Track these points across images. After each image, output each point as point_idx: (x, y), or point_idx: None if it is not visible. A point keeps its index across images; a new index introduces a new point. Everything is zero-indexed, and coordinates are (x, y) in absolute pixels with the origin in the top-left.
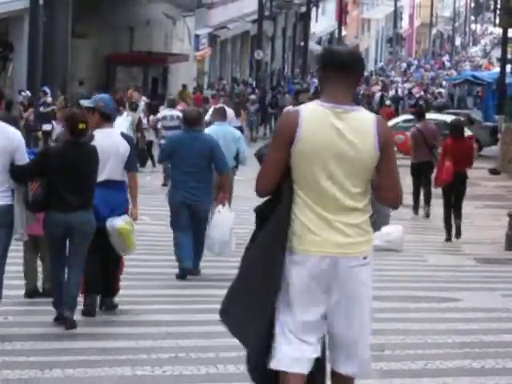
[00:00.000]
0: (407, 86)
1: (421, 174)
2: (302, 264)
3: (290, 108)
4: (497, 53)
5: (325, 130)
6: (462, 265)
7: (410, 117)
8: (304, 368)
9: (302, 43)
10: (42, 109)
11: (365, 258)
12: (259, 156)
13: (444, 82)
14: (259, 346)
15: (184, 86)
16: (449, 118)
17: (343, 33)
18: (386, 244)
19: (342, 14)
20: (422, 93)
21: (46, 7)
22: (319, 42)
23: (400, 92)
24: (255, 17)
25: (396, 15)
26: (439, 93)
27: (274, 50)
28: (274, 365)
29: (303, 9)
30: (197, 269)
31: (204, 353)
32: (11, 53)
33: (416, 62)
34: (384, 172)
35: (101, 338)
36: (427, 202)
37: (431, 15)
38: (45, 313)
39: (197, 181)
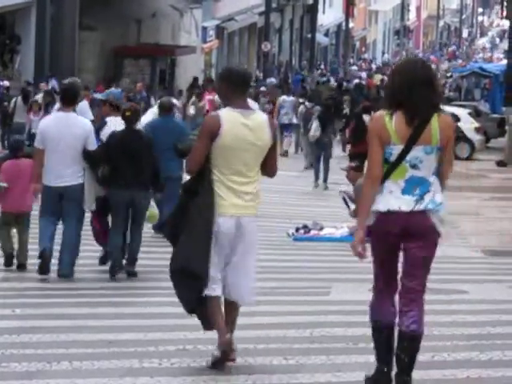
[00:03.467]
0: None
1: None
2: (218, 223)
3: (212, 113)
4: (504, 45)
5: (239, 128)
6: (469, 257)
7: None
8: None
9: (310, 35)
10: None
11: (256, 216)
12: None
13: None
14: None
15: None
16: (456, 110)
17: (350, 25)
18: None
19: (349, 5)
20: None
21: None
22: (326, 34)
23: None
24: (262, 9)
25: (403, 7)
26: (443, 84)
27: (282, 42)
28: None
29: (310, 1)
30: None
31: (212, 345)
32: (18, 45)
33: (421, 55)
34: (272, 155)
35: (108, 331)
36: None
37: (438, 7)
38: (52, 305)
39: (171, 157)
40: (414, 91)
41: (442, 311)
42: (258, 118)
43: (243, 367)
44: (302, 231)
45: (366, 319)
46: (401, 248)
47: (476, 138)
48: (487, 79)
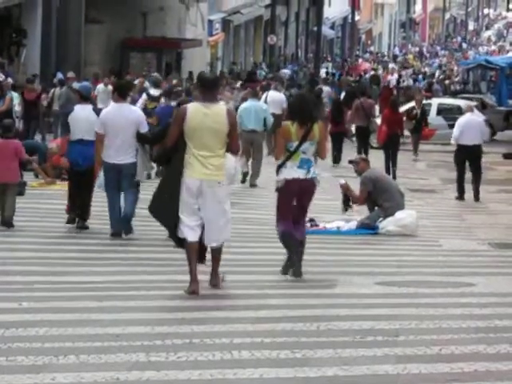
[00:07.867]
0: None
1: (361, 136)
2: (186, 182)
3: (183, 106)
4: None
5: (199, 115)
6: (476, 250)
7: (426, 101)
8: (196, 238)
9: (316, 28)
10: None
11: (219, 182)
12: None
13: (456, 68)
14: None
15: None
16: (462, 103)
17: (356, 17)
18: (400, 229)
19: None
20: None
21: None
22: (332, 27)
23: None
24: (268, 1)
25: (409, 0)
26: (448, 78)
27: (288, 34)
28: (181, 234)
29: None
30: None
31: (219, 338)
32: (24, 38)
33: (426, 49)
34: (232, 136)
35: (115, 324)
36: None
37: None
38: (59, 299)
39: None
40: (304, 111)
41: (450, 304)
42: (217, 108)
43: (250, 361)
44: (308, 225)
45: (373, 313)
46: (294, 199)
47: None
48: (493, 72)
